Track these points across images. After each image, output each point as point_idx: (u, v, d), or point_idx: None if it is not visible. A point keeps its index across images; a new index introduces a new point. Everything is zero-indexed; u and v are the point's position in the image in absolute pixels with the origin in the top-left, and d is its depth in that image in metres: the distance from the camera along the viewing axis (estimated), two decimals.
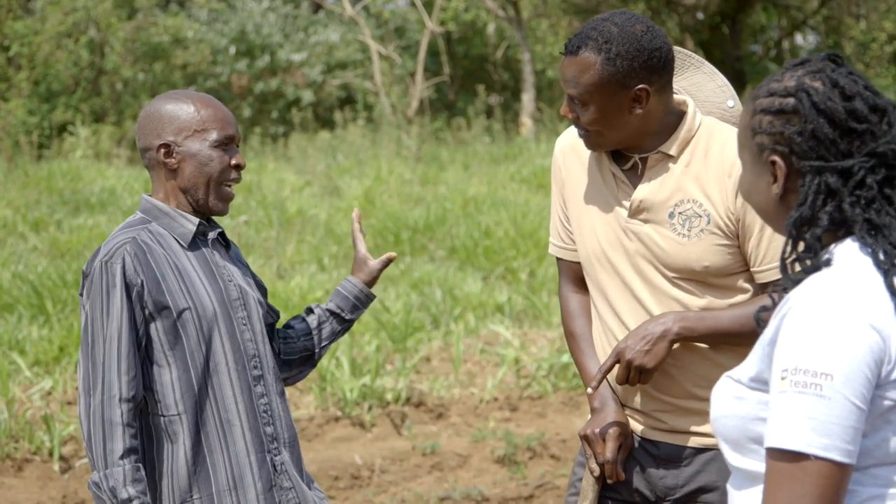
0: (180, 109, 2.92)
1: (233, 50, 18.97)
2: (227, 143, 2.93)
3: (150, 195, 2.98)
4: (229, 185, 2.94)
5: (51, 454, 5.90)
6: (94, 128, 15.62)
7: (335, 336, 3.22)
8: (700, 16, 19.44)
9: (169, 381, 2.86)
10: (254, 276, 3.10)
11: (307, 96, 18.91)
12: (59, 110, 16.04)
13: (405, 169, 13.36)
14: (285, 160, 14.93)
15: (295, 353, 3.17)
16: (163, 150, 2.90)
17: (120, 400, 2.77)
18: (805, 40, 22.28)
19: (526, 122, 17.56)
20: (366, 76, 19.08)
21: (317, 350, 3.19)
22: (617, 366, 2.86)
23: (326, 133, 16.54)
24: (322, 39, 19.69)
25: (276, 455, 2.95)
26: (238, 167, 2.93)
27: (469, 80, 20.26)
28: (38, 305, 7.71)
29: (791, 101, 1.99)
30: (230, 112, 2.98)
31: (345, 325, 3.22)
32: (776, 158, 2.00)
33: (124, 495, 2.74)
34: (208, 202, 2.93)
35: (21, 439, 5.98)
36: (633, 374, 2.83)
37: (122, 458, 2.75)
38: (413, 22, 20.40)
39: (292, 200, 11.76)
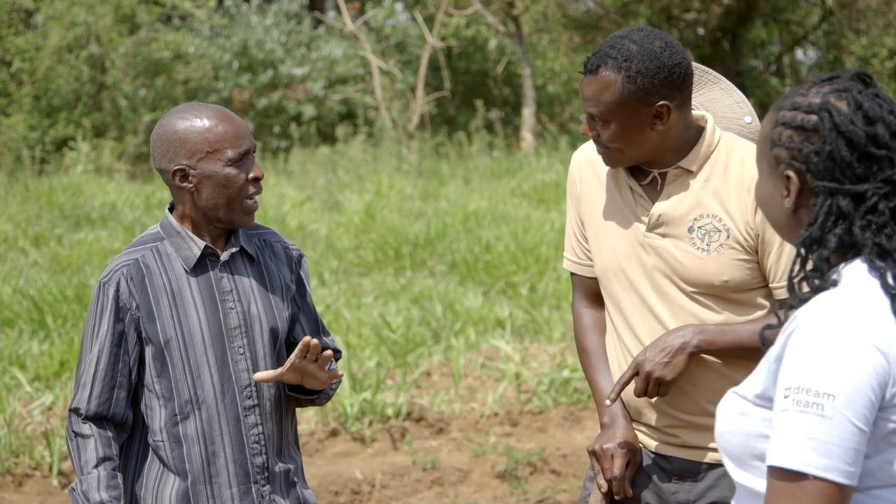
0: (192, 129, 2.86)
1: (235, 65, 19.00)
2: (242, 159, 2.88)
3: (172, 208, 2.97)
4: (251, 199, 2.92)
5: (51, 469, 5.89)
6: (95, 143, 15.62)
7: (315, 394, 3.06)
8: (700, 31, 19.44)
9: (157, 407, 2.89)
10: (284, 291, 3.00)
11: (309, 111, 18.92)
12: (60, 125, 16.03)
13: (406, 183, 13.36)
14: (286, 175, 14.93)
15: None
16: (178, 175, 2.87)
17: (86, 417, 2.86)
18: (806, 55, 22.28)
19: (526, 136, 17.56)
20: (366, 91, 19.09)
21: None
22: (635, 378, 2.85)
23: (327, 148, 16.55)
24: (324, 55, 19.71)
25: (263, 486, 2.94)
26: (256, 180, 2.90)
27: (470, 95, 20.24)
28: (38, 320, 7.70)
29: (813, 118, 1.97)
30: (243, 123, 2.93)
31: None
32: (791, 174, 1.99)
33: (96, 498, 2.80)
34: (231, 218, 2.91)
35: (21, 454, 5.97)
36: (652, 386, 2.82)
37: (95, 466, 2.83)
38: (414, 37, 20.40)
39: (293, 215, 11.76)
